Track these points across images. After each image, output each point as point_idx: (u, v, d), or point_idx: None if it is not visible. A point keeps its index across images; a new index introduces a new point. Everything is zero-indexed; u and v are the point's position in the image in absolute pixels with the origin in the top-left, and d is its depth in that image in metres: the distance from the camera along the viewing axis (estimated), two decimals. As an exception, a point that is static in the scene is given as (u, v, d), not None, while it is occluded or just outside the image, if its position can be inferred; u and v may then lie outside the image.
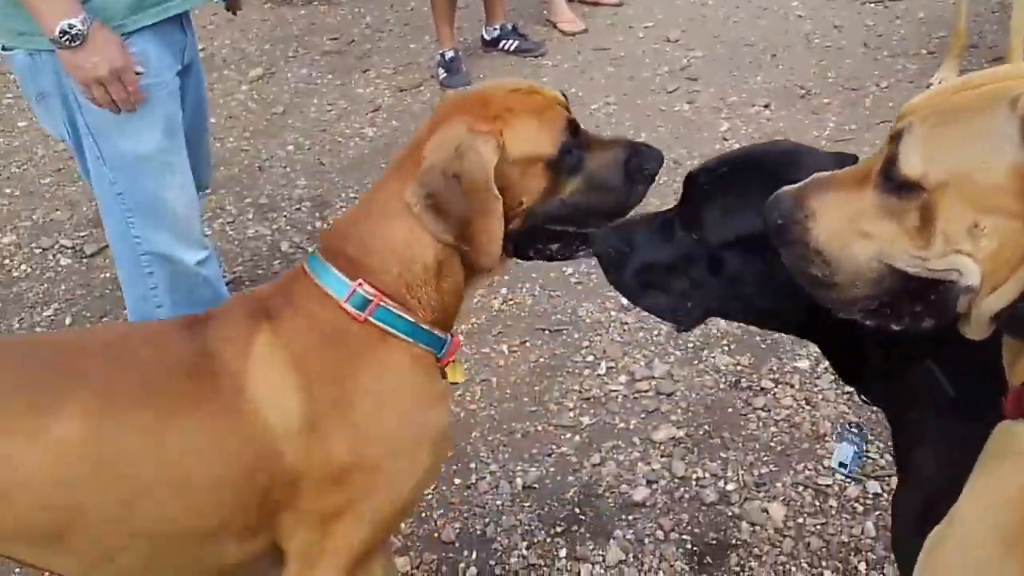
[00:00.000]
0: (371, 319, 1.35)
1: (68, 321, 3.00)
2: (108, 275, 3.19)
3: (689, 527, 2.14)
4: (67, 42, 1.77)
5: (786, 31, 4.61)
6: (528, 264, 3.03)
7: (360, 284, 1.34)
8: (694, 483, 2.25)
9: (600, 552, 2.11)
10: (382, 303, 1.35)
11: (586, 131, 1.47)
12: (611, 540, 2.13)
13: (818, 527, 2.08)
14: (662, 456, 2.33)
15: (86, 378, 1.34)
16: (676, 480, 2.26)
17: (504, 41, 4.52)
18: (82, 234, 3.44)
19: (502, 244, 1.35)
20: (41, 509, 1.31)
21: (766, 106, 3.91)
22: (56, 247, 3.39)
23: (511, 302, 2.90)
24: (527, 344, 2.73)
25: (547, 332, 2.76)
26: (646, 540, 2.12)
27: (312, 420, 1.33)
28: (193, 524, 1.36)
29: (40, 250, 3.38)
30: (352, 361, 1.35)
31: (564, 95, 1.48)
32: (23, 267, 3.30)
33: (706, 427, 2.40)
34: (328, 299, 1.36)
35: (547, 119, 1.39)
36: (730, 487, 2.22)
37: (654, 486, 2.25)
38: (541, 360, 2.66)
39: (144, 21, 1.90)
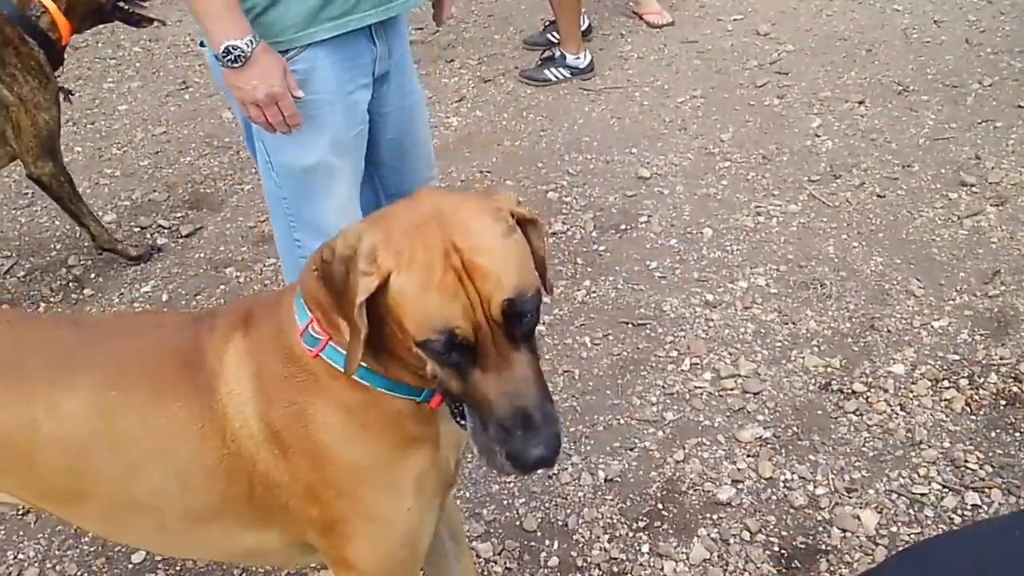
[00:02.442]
0: (323, 356, 1.28)
1: (164, 298, 3.05)
2: (202, 255, 3.25)
3: (776, 529, 2.08)
4: (230, 62, 1.75)
5: (882, 25, 4.45)
6: (611, 257, 3.00)
7: (312, 322, 1.29)
8: (782, 485, 2.18)
9: (684, 550, 2.06)
10: (332, 344, 1.27)
11: (505, 346, 1.16)
12: (695, 538, 2.08)
13: (913, 536, 1.99)
14: (748, 456, 2.26)
15: (98, 358, 1.41)
16: (763, 481, 2.19)
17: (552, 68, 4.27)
18: (178, 215, 3.50)
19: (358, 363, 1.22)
20: (59, 471, 1.41)
21: (860, 102, 3.78)
22: (154, 226, 3.46)
23: (594, 294, 2.85)
24: (610, 337, 2.68)
25: (630, 326, 2.71)
26: (731, 540, 2.06)
27: (273, 433, 1.31)
28: (186, 502, 1.39)
29: (139, 228, 3.45)
30: (305, 390, 1.30)
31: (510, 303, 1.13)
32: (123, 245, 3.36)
33: (794, 429, 2.32)
34: (294, 325, 1.31)
35: (442, 302, 1.12)
36: (820, 491, 2.15)
37: (740, 486, 2.19)
38: (624, 354, 2.62)
39: (318, 36, 1.85)
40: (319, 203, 2.02)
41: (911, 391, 2.38)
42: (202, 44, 1.93)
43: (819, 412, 2.36)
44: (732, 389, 2.45)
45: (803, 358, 2.53)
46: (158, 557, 2.17)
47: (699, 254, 2.98)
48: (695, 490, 2.20)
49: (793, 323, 2.66)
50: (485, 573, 2.07)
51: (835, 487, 2.15)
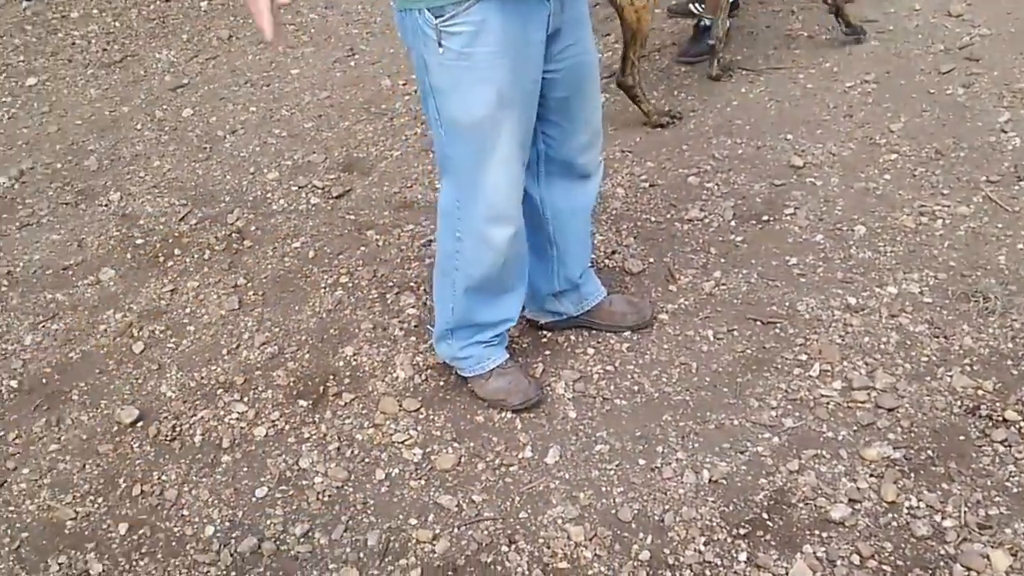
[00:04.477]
0: None
1: (311, 254, 3.18)
2: (350, 217, 3.35)
3: (892, 558, 1.92)
4: None
5: (1098, 13, 3.98)
6: (748, 249, 2.86)
7: None
8: (905, 511, 2.01)
9: (784, 564, 1.94)
10: None
11: None
12: (798, 554, 1.96)
13: (1044, 586, 1.79)
14: (871, 476, 2.10)
15: None
16: (884, 504, 2.03)
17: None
18: (331, 176, 3.63)
19: None
20: None
21: (1060, 98, 3.40)
22: (309, 186, 3.60)
23: (724, 287, 2.72)
24: (735, 333, 2.55)
25: (759, 323, 2.57)
26: (839, 562, 1.93)
27: None
28: None
29: (296, 188, 3.61)
30: None
31: None
32: (281, 201, 3.53)
33: (929, 452, 2.14)
34: None
35: None
36: (947, 523, 1.97)
37: (857, 506, 2.04)
38: (748, 352, 2.49)
39: None
40: (480, 159, 2.03)
41: (1072, 425, 2.13)
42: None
43: (961, 438, 2.16)
44: (863, 402, 2.28)
45: (951, 376, 2.32)
46: (278, 493, 2.29)
47: (846, 253, 2.78)
48: (806, 504, 2.06)
49: (945, 337, 2.44)
50: (573, 556, 2.04)
51: (966, 521, 1.97)
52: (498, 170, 2.05)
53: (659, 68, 3.99)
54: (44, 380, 2.80)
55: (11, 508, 2.39)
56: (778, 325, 2.55)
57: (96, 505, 2.36)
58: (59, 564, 2.22)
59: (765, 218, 2.97)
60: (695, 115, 3.62)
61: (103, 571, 2.19)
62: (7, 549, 2.28)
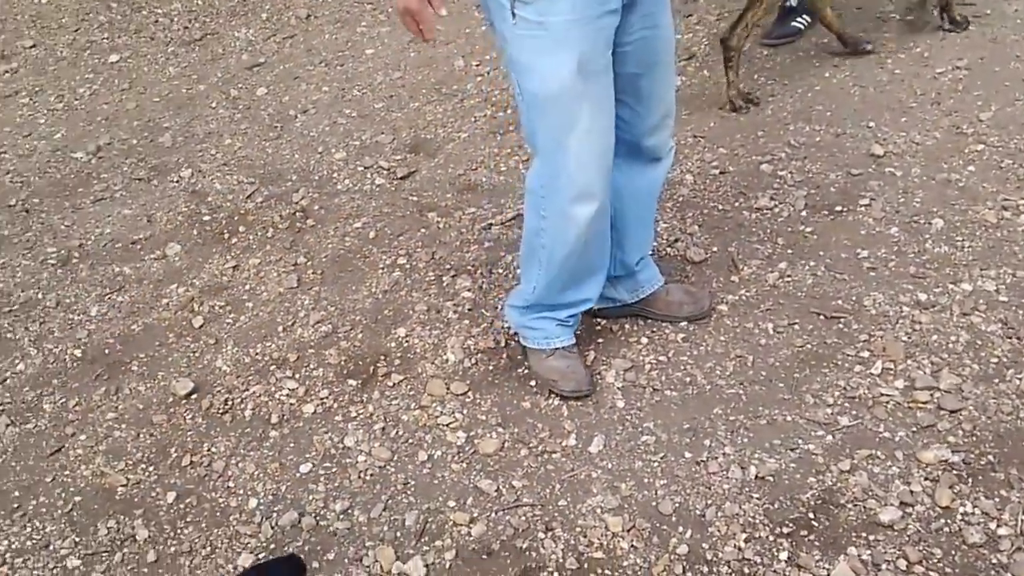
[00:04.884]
0: None
1: (371, 235, 3.27)
2: (413, 198, 3.44)
3: (940, 564, 1.90)
4: None
5: None
6: (817, 240, 2.83)
7: None
8: (959, 517, 1.98)
9: (826, 566, 1.94)
10: None
11: None
12: (842, 556, 1.95)
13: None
14: (926, 479, 2.07)
15: None
16: (937, 509, 2.00)
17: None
18: (397, 157, 3.72)
19: None
20: None
21: None
22: (375, 167, 3.70)
23: (788, 279, 2.70)
24: (795, 327, 2.53)
25: (822, 317, 2.55)
26: (883, 566, 1.91)
27: None
28: None
29: (362, 168, 3.71)
30: None
31: None
32: (346, 181, 3.64)
33: (990, 458, 2.09)
34: None
35: None
36: (1002, 531, 1.93)
37: (908, 510, 2.01)
38: (808, 347, 2.47)
39: None
40: (562, 132, 2.06)
41: None
42: None
43: (1026, 443, 2.11)
44: (925, 403, 2.24)
45: (1020, 379, 2.26)
46: (322, 470, 2.39)
47: (921, 247, 2.72)
48: (855, 505, 2.05)
49: (1019, 338, 2.37)
50: (609, 547, 2.07)
51: (1022, 530, 1.92)
52: (581, 145, 2.06)
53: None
54: (106, 350, 2.97)
55: (66, 472, 2.56)
56: (842, 320, 2.52)
57: (147, 473, 2.51)
58: (108, 528, 2.37)
59: (838, 209, 2.93)
60: (773, 100, 3.58)
61: (149, 537, 2.32)
62: (60, 511, 2.44)
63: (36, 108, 4.70)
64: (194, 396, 2.71)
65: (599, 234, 2.28)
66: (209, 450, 2.53)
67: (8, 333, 3.13)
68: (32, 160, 4.20)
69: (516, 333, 2.59)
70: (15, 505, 2.48)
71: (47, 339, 3.07)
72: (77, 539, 2.35)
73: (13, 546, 2.36)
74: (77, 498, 2.47)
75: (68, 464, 2.58)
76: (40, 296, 3.28)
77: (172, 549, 2.28)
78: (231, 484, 2.42)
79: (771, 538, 2.02)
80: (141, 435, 2.62)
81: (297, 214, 3.48)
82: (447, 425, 2.46)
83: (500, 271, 2.97)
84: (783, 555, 1.98)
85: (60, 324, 3.12)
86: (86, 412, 2.74)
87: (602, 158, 2.13)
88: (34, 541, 2.37)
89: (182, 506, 2.39)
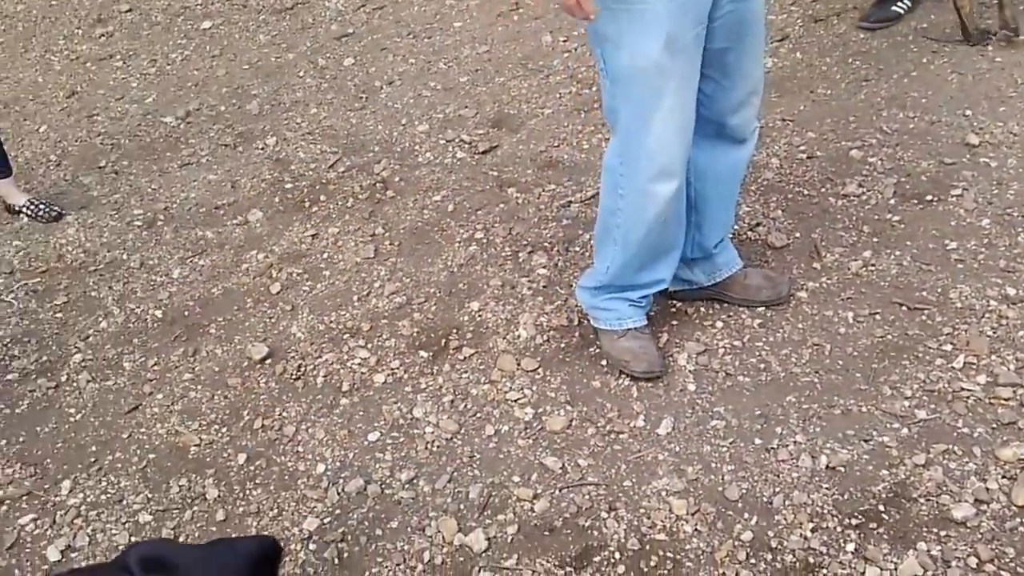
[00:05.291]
0: None
1: (450, 208, 3.36)
2: (493, 173, 3.52)
3: (1012, 564, 1.90)
4: None
5: None
6: (905, 229, 2.81)
7: None
8: (1036, 518, 1.98)
9: (894, 559, 1.96)
10: None
11: None
12: (911, 551, 1.97)
13: None
14: (1004, 477, 2.07)
15: None
16: (1013, 508, 2.00)
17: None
18: (480, 132, 3.80)
19: None
20: None
21: None
22: (456, 140, 3.79)
23: (872, 268, 2.69)
24: (877, 316, 2.53)
25: (904, 308, 2.54)
26: (953, 563, 1.93)
27: None
28: None
29: (444, 141, 3.81)
30: None
31: None
32: (427, 154, 3.74)
33: (1073, 458, 2.08)
34: None
35: None
36: (1080, 534, 1.93)
37: (982, 507, 2.02)
38: (888, 337, 2.46)
39: None
40: (645, 109, 2.10)
41: None
42: None
43: (1114, 446, 2.09)
44: (1007, 399, 2.23)
45: (1110, 381, 2.23)
46: (389, 439, 2.50)
47: (1013, 240, 2.68)
48: (927, 500, 2.06)
49: (1116, 338, 2.34)
50: (673, 529, 2.12)
51: (1102, 534, 1.91)
52: (664, 123, 2.10)
53: (836, 33, 3.91)
54: (186, 312, 3.14)
55: (142, 430, 2.72)
56: (925, 312, 2.51)
57: (220, 434, 2.65)
58: (179, 486, 2.52)
59: (928, 198, 2.90)
60: (867, 85, 3.54)
61: (219, 496, 2.46)
62: (135, 467, 2.61)
63: (129, 72, 4.94)
64: (268, 361, 2.85)
65: (677, 214, 2.32)
66: (281, 414, 2.66)
67: (93, 292, 3.32)
68: (123, 123, 4.42)
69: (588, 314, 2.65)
70: (92, 460, 2.65)
71: (130, 299, 3.25)
72: (150, 495, 2.51)
73: (88, 499, 2.53)
74: (151, 455, 2.63)
75: (144, 422, 2.74)
76: (125, 257, 3.47)
77: (240, 509, 2.42)
78: (300, 449, 2.55)
79: (839, 529, 2.05)
80: (216, 397, 2.77)
81: (377, 185, 3.59)
82: (515, 401, 2.53)
83: (577, 249, 3.03)
84: (850, 547, 2.01)
85: (143, 285, 3.30)
86: (164, 372, 2.91)
87: (684, 135, 2.16)
88: (108, 495, 2.54)
89: (252, 468, 2.52)
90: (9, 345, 3.13)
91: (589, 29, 2.13)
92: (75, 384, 2.93)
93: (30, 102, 4.83)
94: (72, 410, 2.84)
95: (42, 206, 3.79)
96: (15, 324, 3.23)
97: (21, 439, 2.76)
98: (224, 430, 2.65)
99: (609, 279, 2.47)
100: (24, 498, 2.56)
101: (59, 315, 3.24)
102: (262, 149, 3.99)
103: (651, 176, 2.19)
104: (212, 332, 3.03)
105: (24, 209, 3.80)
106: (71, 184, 4.01)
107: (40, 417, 2.82)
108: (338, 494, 2.39)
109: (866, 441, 2.21)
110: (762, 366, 2.47)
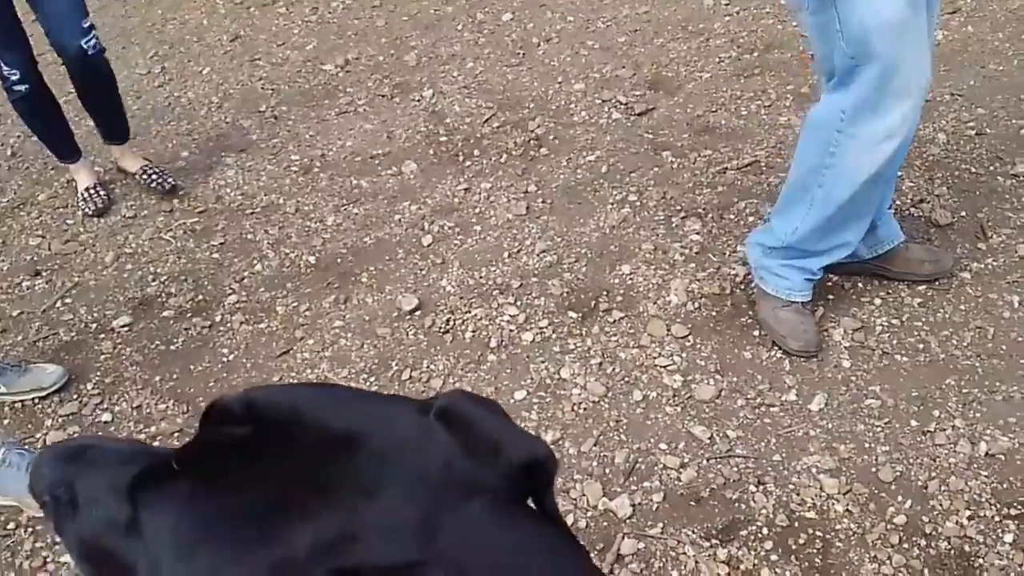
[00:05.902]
0: None
1: (604, 169, 3.45)
2: (648, 136, 3.59)
3: None
4: None
5: None
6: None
7: None
8: None
9: (1054, 555, 1.97)
10: None
11: None
12: (1074, 548, 1.97)
13: None
14: None
15: None
16: None
17: None
18: (636, 93, 3.87)
19: None
20: None
21: None
22: (612, 101, 3.86)
23: (1046, 251, 2.66)
24: (1051, 303, 2.51)
25: (1084, 297, 2.50)
26: (1121, 564, 1.92)
27: None
28: None
29: (600, 101, 3.89)
30: None
31: None
32: (583, 113, 3.83)
33: None
34: None
35: None
36: None
37: None
38: (1062, 325, 2.44)
39: None
40: (889, 69, 2.08)
41: None
42: None
43: None
44: None
45: None
46: (536, 399, 2.60)
47: None
48: (1095, 497, 2.06)
49: None
50: (823, 508, 2.18)
51: None
52: (901, 81, 2.09)
53: (1009, 9, 3.80)
54: (339, 260, 3.33)
55: (293, 373, 2.90)
56: (1105, 302, 2.47)
57: (368, 383, 2.79)
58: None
59: (1115, 182, 2.83)
60: (1056, 57, 3.44)
61: (368, 444, 2.63)
62: (292, 405, 2.80)
63: (291, 19, 5.20)
64: (418, 313, 3.00)
65: (886, 174, 2.31)
66: (428, 367, 2.79)
67: (249, 234, 3.54)
68: (284, 69, 4.67)
69: (751, 272, 2.67)
70: (244, 397, 2.86)
71: (284, 244, 3.46)
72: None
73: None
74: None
75: (295, 366, 2.91)
76: (281, 201, 3.69)
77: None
78: (448, 401, 2.68)
79: (997, 518, 2.06)
80: (365, 345, 2.93)
81: (531, 142, 3.70)
82: (664, 367, 2.62)
83: (732, 217, 3.07)
84: (1008, 537, 2.03)
85: (298, 230, 3.51)
86: (315, 318, 3.09)
87: (918, 96, 2.14)
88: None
89: (400, 419, 2.67)
90: (166, 283, 3.33)
91: None
92: (229, 325, 3.10)
93: (195, 44, 5.16)
94: (225, 350, 3.00)
95: (155, 175, 3.82)
96: (172, 262, 3.43)
97: (175, 376, 2.93)
98: (372, 379, 2.79)
99: (794, 241, 2.47)
100: (176, 435, 2.73)
101: (215, 256, 3.44)
102: (418, 101, 4.16)
103: (879, 134, 2.18)
104: (363, 281, 3.19)
105: (138, 176, 3.85)
106: (231, 127, 4.27)
107: (194, 355, 3.00)
108: (482, 450, 2.52)
109: (1032, 432, 2.21)
110: (921, 346, 2.49)
